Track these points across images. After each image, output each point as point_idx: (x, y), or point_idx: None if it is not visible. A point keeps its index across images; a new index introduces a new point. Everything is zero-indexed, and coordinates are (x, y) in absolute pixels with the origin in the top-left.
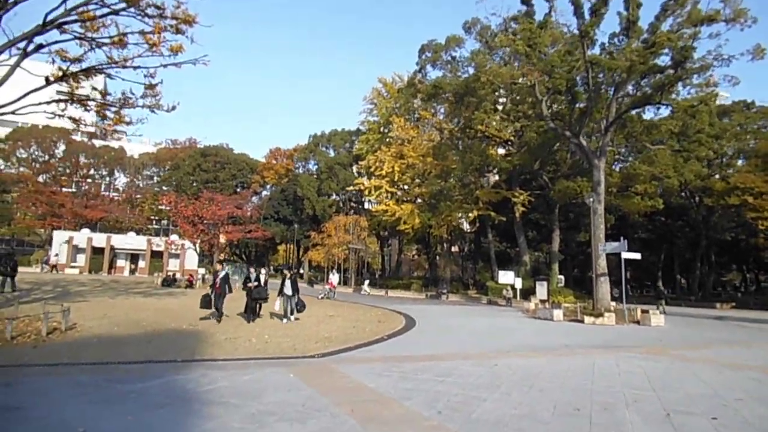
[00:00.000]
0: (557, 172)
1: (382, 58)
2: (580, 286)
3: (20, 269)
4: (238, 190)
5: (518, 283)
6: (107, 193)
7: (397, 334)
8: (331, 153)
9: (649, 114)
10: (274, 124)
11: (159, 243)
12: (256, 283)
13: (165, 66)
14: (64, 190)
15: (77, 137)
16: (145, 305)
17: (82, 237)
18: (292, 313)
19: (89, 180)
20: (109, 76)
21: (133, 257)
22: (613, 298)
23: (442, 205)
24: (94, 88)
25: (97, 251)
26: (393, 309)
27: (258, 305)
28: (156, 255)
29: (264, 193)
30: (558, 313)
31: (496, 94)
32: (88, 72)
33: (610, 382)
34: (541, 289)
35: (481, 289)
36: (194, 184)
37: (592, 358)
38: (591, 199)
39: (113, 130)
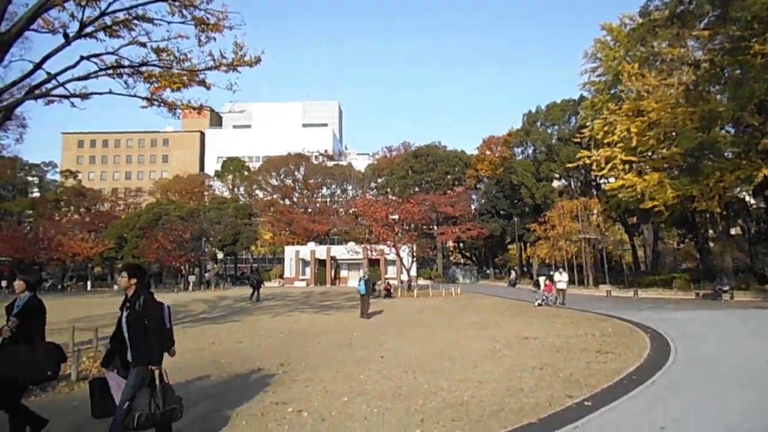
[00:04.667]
0: None
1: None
2: None
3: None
4: (456, 188)
5: None
6: (337, 207)
7: (618, 390)
8: (550, 130)
9: None
10: (487, 115)
11: (374, 251)
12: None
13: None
14: (299, 209)
15: (314, 161)
16: (287, 326)
17: (307, 251)
18: None
19: (319, 199)
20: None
21: (354, 266)
22: None
23: (707, 166)
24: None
25: (322, 263)
26: (637, 321)
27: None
28: (374, 263)
29: (480, 187)
30: None
31: None
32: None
33: None
34: None
35: None
36: (407, 188)
37: None
38: None
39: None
